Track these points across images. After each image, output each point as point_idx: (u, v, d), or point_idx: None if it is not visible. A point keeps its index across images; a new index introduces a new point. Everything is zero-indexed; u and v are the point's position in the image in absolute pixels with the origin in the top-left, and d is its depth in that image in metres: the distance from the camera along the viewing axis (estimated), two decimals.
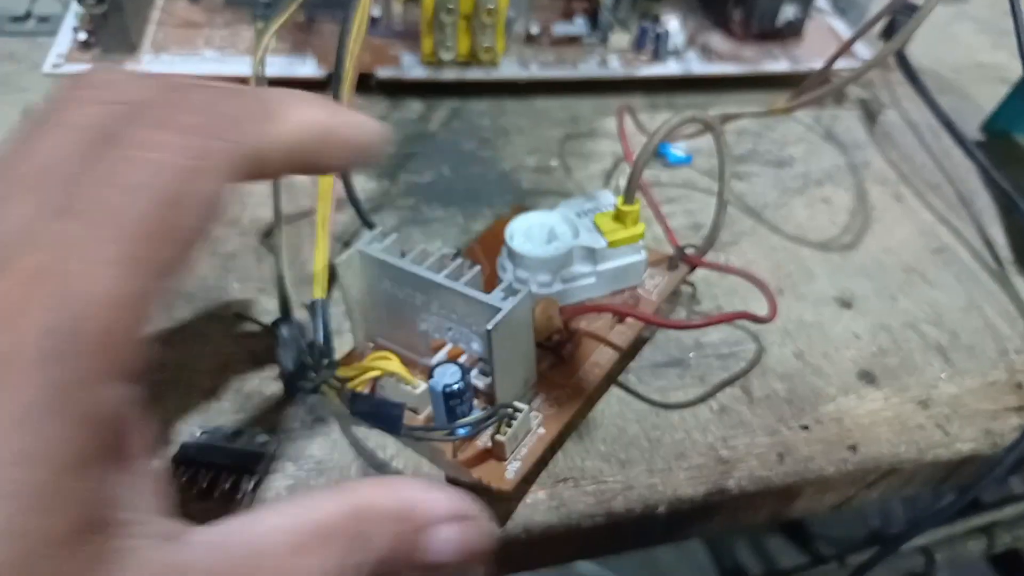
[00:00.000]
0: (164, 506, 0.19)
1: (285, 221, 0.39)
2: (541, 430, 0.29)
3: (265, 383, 0.32)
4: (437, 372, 0.28)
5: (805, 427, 0.32)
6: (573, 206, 0.35)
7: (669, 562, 1.12)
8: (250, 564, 0.18)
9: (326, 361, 0.31)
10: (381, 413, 0.28)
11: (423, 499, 0.22)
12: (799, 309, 0.37)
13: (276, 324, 0.33)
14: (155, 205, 0.18)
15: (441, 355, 0.32)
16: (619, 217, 0.33)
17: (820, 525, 1.14)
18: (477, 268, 0.30)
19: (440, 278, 0.29)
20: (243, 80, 0.31)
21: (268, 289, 0.36)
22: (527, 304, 0.28)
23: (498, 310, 0.27)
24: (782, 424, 0.32)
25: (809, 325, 0.36)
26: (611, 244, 0.33)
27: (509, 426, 0.28)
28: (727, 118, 0.43)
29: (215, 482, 0.28)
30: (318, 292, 0.33)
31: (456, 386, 0.28)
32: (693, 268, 0.36)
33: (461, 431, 0.28)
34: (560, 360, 0.32)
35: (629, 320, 0.33)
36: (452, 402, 0.28)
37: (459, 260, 0.30)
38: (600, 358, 0.32)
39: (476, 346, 0.30)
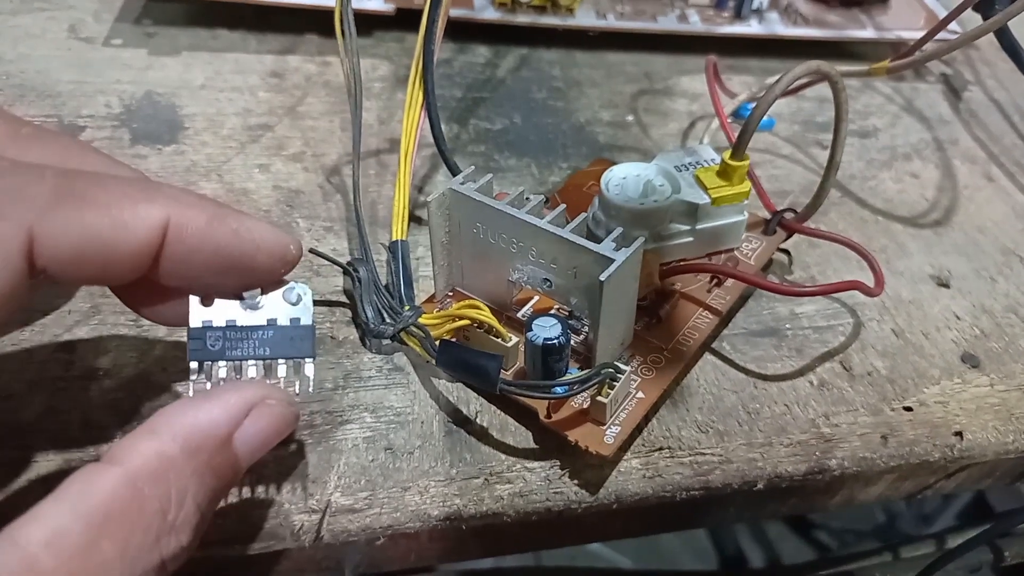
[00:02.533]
0: None
1: (350, 160, 0.36)
2: (640, 394, 0.27)
3: (337, 327, 0.30)
4: (536, 325, 0.26)
5: (908, 408, 0.30)
6: (671, 159, 0.32)
7: (672, 548, 1.11)
8: None
9: (407, 307, 0.29)
10: (474, 364, 0.26)
11: (199, 423, 0.20)
12: (895, 285, 0.35)
13: (352, 264, 0.30)
14: None
15: (526, 309, 0.30)
16: (725, 173, 0.31)
17: (822, 516, 1.13)
18: (583, 216, 0.28)
19: (544, 223, 0.27)
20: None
21: (335, 228, 0.34)
22: (638, 257, 0.26)
23: (611, 261, 0.25)
24: (885, 404, 0.30)
25: (907, 303, 0.34)
26: (715, 202, 0.31)
27: (611, 388, 0.26)
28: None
29: None
30: (398, 232, 0.30)
31: (557, 340, 0.26)
32: (791, 234, 0.34)
33: (559, 390, 0.26)
34: (657, 321, 0.30)
35: (727, 284, 0.31)
36: (551, 358, 0.26)
37: (561, 207, 0.28)
38: (698, 322, 0.30)
39: (575, 300, 0.27)
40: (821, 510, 0.33)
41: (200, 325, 0.22)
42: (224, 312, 0.22)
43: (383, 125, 0.39)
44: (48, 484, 0.23)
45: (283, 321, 0.22)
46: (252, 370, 0.23)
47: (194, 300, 0.22)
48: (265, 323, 0.22)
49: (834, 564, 0.43)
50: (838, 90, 0.30)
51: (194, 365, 0.22)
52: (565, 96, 0.43)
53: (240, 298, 0.22)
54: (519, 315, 0.30)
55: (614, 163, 0.32)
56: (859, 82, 0.48)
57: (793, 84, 0.29)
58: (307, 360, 0.23)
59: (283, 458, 0.26)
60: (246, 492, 0.25)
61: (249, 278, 0.22)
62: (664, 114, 0.43)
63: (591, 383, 0.25)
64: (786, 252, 0.35)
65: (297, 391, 0.23)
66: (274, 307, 0.22)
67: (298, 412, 0.23)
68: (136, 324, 0.29)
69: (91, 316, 0.29)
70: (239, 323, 0.22)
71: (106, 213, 0.19)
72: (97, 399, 0.27)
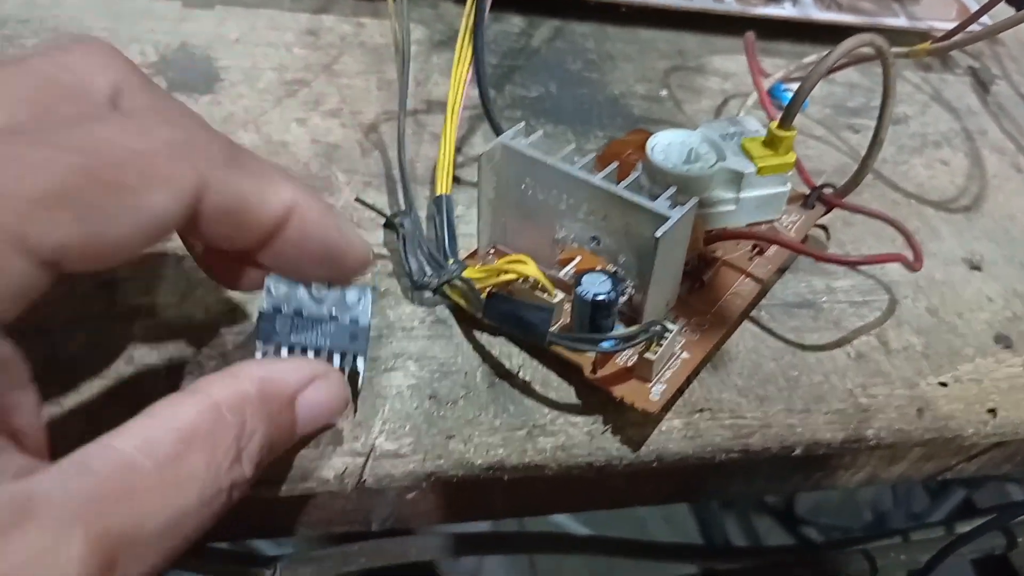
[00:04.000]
0: (26, 444, 0.18)
1: (387, 118, 0.36)
2: (685, 355, 0.27)
3: (380, 278, 0.30)
4: (585, 280, 0.26)
5: (944, 384, 0.30)
6: (716, 128, 0.32)
7: (659, 533, 1.12)
8: (116, 482, 0.17)
9: (451, 261, 0.29)
10: (522, 316, 0.26)
11: (273, 376, 0.21)
12: (929, 266, 0.35)
13: (396, 217, 0.30)
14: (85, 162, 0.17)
15: (568, 269, 0.30)
16: (771, 143, 0.31)
17: (809, 511, 1.14)
18: (635, 174, 0.28)
19: (598, 180, 0.27)
20: None
21: (375, 183, 0.34)
22: (691, 217, 0.26)
23: (666, 218, 0.25)
24: (920, 378, 0.30)
25: (940, 283, 0.34)
26: (760, 171, 0.31)
27: (659, 345, 0.26)
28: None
29: None
30: (442, 187, 0.30)
31: (607, 297, 0.26)
32: (829, 209, 0.34)
33: (606, 344, 0.26)
34: (700, 285, 0.30)
35: (769, 254, 0.31)
36: (599, 314, 0.26)
37: (613, 165, 0.28)
38: (741, 289, 0.30)
39: (623, 258, 0.27)
40: (842, 486, 0.33)
41: (271, 309, 0.23)
42: (292, 300, 0.23)
43: (419, 87, 0.39)
44: (92, 420, 0.24)
45: (343, 318, 0.24)
46: (311, 356, 0.24)
47: (270, 283, 0.23)
48: (328, 316, 0.23)
49: (846, 545, 0.43)
50: (888, 65, 0.31)
51: (260, 343, 0.23)
52: (599, 68, 0.43)
53: (308, 289, 0.23)
54: (561, 275, 0.30)
55: (652, 133, 0.32)
56: None
57: (845, 56, 0.29)
58: (359, 356, 0.24)
59: None
60: None
61: (333, 273, 0.23)
62: (697, 91, 0.43)
63: (639, 339, 0.26)
64: (823, 228, 0.35)
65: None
66: (336, 303, 0.24)
67: (349, 398, 0.24)
68: (178, 266, 0.29)
69: None
70: (305, 313, 0.23)
71: (257, 183, 0.21)
72: (140, 337, 0.26)
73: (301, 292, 0.23)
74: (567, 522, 0.94)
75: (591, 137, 0.38)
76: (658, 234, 0.25)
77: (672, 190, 0.27)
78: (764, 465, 0.29)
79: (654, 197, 0.28)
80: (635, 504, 0.32)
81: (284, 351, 0.23)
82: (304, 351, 0.23)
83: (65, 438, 0.22)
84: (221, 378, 0.20)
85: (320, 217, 0.22)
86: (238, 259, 0.24)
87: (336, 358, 0.24)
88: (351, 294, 0.24)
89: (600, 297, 0.26)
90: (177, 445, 0.18)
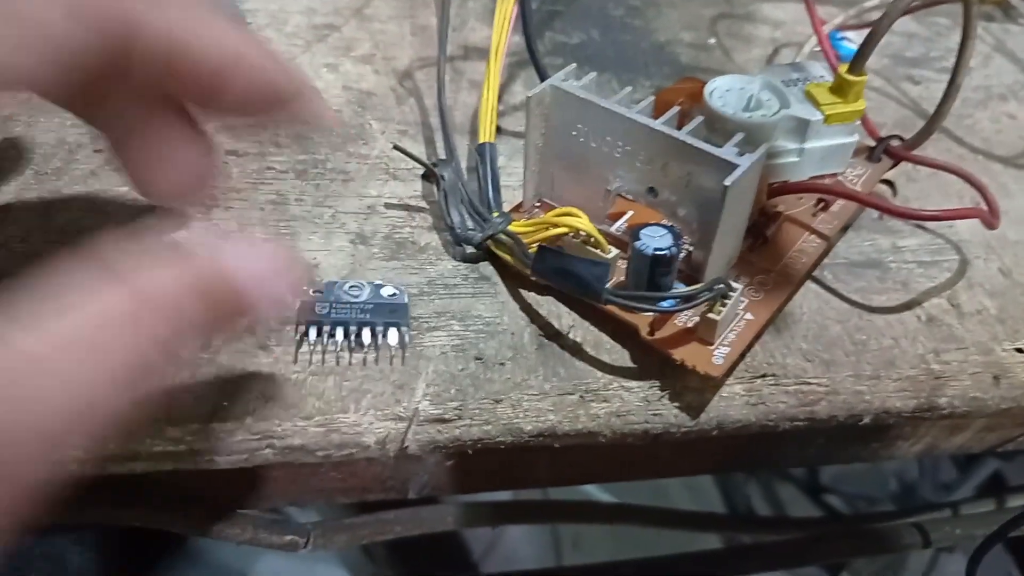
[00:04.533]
0: None
1: (422, 64, 0.34)
2: (748, 316, 0.25)
3: (418, 232, 0.28)
4: (644, 234, 0.24)
5: (1020, 351, 0.28)
6: (777, 73, 0.30)
7: (681, 501, 1.11)
8: (21, 373, 0.14)
9: (495, 213, 0.27)
10: (576, 272, 0.24)
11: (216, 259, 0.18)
12: (1000, 225, 0.33)
13: (437, 166, 0.28)
14: None
15: (620, 223, 0.28)
16: (839, 89, 0.29)
17: (833, 479, 1.12)
18: (698, 119, 0.25)
19: (660, 125, 0.24)
20: None
21: (411, 132, 0.32)
22: (759, 166, 0.24)
23: (735, 166, 0.23)
24: (995, 344, 0.28)
25: (1013, 243, 0.32)
26: (827, 119, 0.28)
27: (723, 305, 0.24)
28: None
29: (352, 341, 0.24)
30: (486, 134, 0.28)
31: (668, 251, 0.24)
32: (896, 162, 0.31)
33: (667, 303, 0.24)
34: (763, 242, 0.28)
35: (834, 209, 0.29)
36: (659, 270, 0.24)
37: (674, 109, 0.26)
38: (805, 246, 0.28)
39: (683, 211, 0.25)
40: (899, 457, 0.31)
41: (311, 300, 0.24)
42: (330, 292, 0.25)
43: (455, 32, 0.37)
44: None
45: (381, 300, 0.25)
46: (366, 332, 0.24)
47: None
48: (365, 300, 0.25)
49: (895, 517, 0.41)
50: (969, 4, 0.28)
51: (300, 326, 0.24)
52: (643, 15, 0.41)
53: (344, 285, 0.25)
54: (613, 230, 0.28)
55: (703, 82, 0.29)
56: (948, 20, 0.45)
57: None
58: (403, 327, 0.24)
59: (366, 361, 0.24)
60: (329, 394, 0.23)
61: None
62: (747, 39, 0.41)
63: (702, 299, 0.24)
64: (889, 184, 0.33)
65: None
66: (372, 294, 0.25)
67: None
68: (206, 217, 0.27)
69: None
70: (344, 300, 0.25)
71: (198, 23, 0.19)
72: None
73: (339, 286, 0.25)
74: (591, 490, 0.93)
75: (637, 86, 0.36)
76: (727, 183, 0.23)
77: (739, 137, 0.24)
78: (824, 435, 0.27)
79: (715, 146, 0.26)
80: (686, 474, 0.31)
81: (339, 330, 0.24)
82: (346, 328, 0.24)
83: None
84: (152, 264, 0.17)
85: (263, 59, 0.20)
86: (166, 134, 0.21)
87: (379, 329, 0.24)
88: (386, 290, 0.25)
89: (661, 252, 0.24)
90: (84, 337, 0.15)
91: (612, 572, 0.36)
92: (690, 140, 0.24)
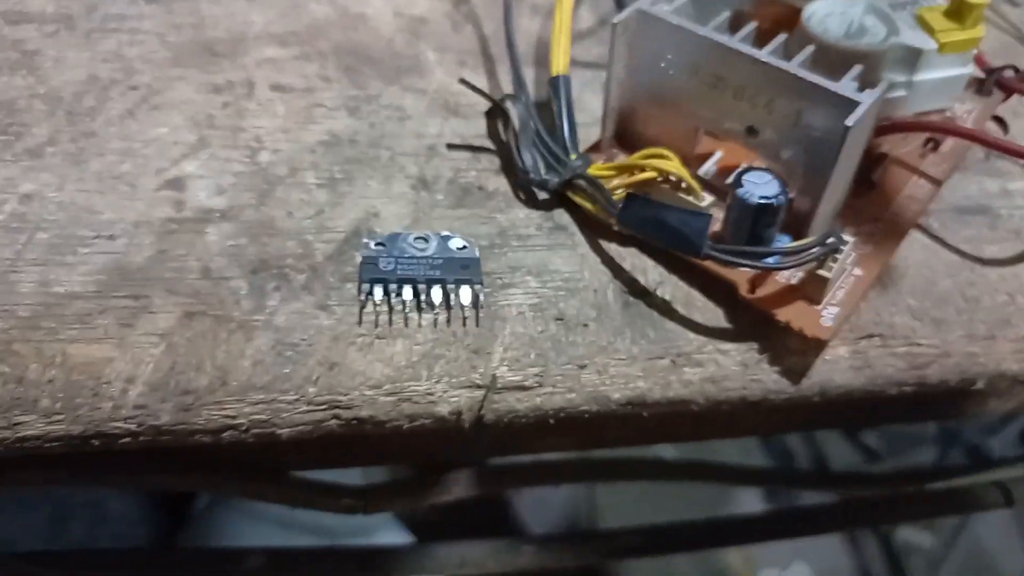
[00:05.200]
0: None
1: None
2: (857, 271, 0.23)
3: (485, 176, 0.25)
4: (747, 180, 0.22)
5: None
6: None
7: (724, 453, 1.09)
8: None
9: (573, 155, 0.24)
10: (671, 224, 0.21)
11: None
12: None
13: (505, 101, 0.25)
14: None
15: (709, 165, 0.25)
16: (957, 13, 0.25)
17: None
18: (810, 48, 0.22)
19: (766, 55, 0.21)
20: None
21: (470, 63, 0.29)
22: (879, 103, 0.21)
23: (855, 104, 0.20)
24: None
25: None
26: (942, 48, 0.25)
27: (834, 261, 0.21)
28: None
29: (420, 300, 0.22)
30: (559, 66, 0.25)
31: (775, 200, 0.21)
32: (1009, 95, 0.28)
33: (772, 260, 0.21)
34: (869, 187, 0.25)
35: (944, 149, 0.26)
36: (762, 222, 0.22)
37: (782, 36, 0.23)
38: (915, 191, 0.25)
39: (787, 153, 0.22)
40: (987, 415, 0.29)
41: (374, 254, 0.22)
42: (394, 245, 0.22)
43: None
44: (170, 340, 0.20)
45: (451, 255, 0.23)
46: (437, 289, 0.22)
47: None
48: (433, 255, 0.22)
49: (965, 473, 0.39)
50: None
51: (365, 285, 0.21)
52: None
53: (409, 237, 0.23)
54: (701, 172, 0.25)
55: (789, 4, 0.26)
56: None
57: None
58: (476, 284, 0.22)
59: (437, 322, 0.22)
60: (399, 359, 0.21)
61: None
62: None
63: (813, 254, 0.21)
64: (999, 120, 0.29)
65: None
66: (440, 248, 0.23)
67: None
68: (253, 161, 0.25)
69: (199, 149, 0.25)
70: (408, 254, 0.22)
71: None
72: (215, 245, 0.22)
73: (403, 238, 0.23)
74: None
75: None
76: (849, 122, 0.20)
77: (857, 69, 0.21)
78: (932, 398, 0.25)
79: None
80: (764, 435, 0.28)
81: (407, 289, 0.22)
82: (414, 285, 0.22)
83: (142, 364, 0.19)
84: None
85: None
86: None
87: (450, 287, 0.22)
88: (455, 242, 0.23)
89: (767, 201, 0.21)
90: None
91: (686, 532, 0.34)
92: (804, 73, 0.21)
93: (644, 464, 0.32)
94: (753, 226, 0.22)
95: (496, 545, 0.31)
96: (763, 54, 0.21)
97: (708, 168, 0.25)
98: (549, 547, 0.32)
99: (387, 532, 0.53)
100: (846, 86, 0.21)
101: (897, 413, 0.27)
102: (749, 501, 0.78)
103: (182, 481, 0.24)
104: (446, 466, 0.30)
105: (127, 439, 0.19)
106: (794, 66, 0.21)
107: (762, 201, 0.21)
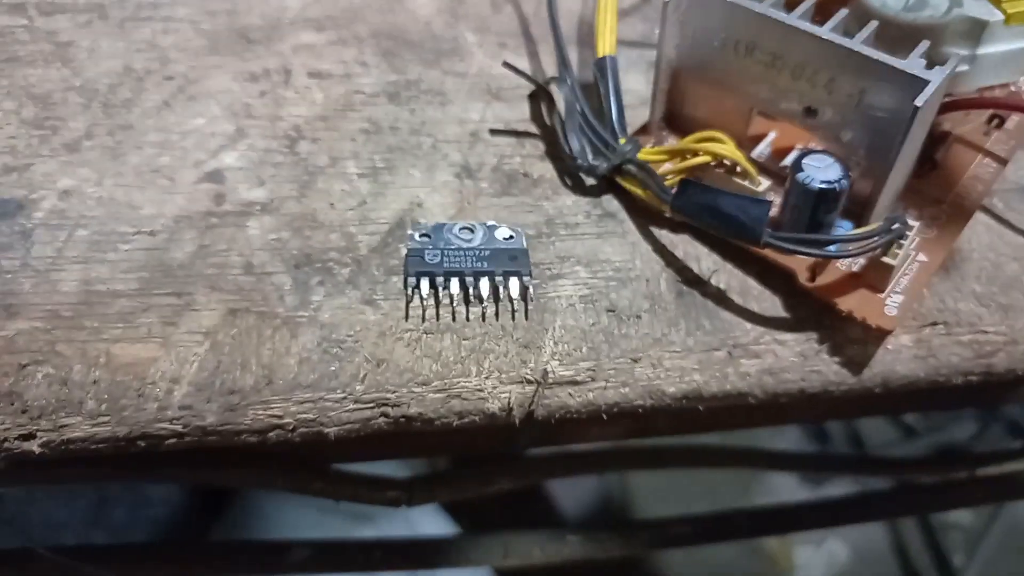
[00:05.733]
0: None
1: None
2: (922, 256, 0.22)
3: (531, 162, 0.25)
4: (808, 164, 0.20)
5: None
6: None
7: (758, 437, 1.07)
8: None
9: (622, 139, 0.23)
10: (730, 210, 0.20)
11: None
12: None
13: (550, 84, 0.24)
14: None
15: (762, 147, 0.24)
16: None
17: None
18: (873, 24, 0.21)
19: (829, 33, 0.20)
20: None
21: (511, 44, 0.28)
22: (947, 80, 0.20)
23: (924, 83, 0.19)
24: None
25: None
26: (1009, 19, 0.24)
27: (899, 248, 0.20)
28: None
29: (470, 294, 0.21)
30: (605, 46, 0.24)
31: (837, 184, 0.20)
32: None
33: (835, 248, 0.20)
34: (932, 167, 0.24)
35: (1009, 126, 0.25)
36: (823, 207, 0.21)
37: (843, 12, 0.21)
38: (980, 171, 0.24)
39: (849, 135, 0.21)
40: None
41: (419, 246, 0.21)
42: (440, 236, 0.22)
43: None
44: (214, 339, 0.19)
45: (498, 246, 0.22)
46: (485, 282, 0.21)
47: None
48: (479, 247, 0.21)
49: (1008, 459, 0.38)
50: None
51: (411, 279, 0.21)
52: None
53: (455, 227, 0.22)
54: (754, 154, 0.24)
55: None
56: None
57: None
58: (525, 276, 0.21)
59: (486, 316, 0.21)
60: (447, 355, 0.20)
61: None
62: None
63: (878, 240, 0.20)
64: None
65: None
66: (487, 238, 0.22)
67: None
68: (292, 151, 0.24)
69: (237, 140, 0.24)
70: (455, 245, 0.21)
71: None
72: (257, 239, 0.22)
73: (448, 229, 0.22)
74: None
75: None
76: (918, 102, 0.19)
77: (924, 45, 0.20)
78: (998, 387, 0.24)
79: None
80: (817, 423, 0.27)
81: (454, 282, 0.21)
82: (461, 278, 0.21)
83: (187, 364, 0.19)
84: None
85: None
86: None
87: (498, 279, 0.21)
88: (501, 232, 0.22)
89: (829, 185, 0.20)
90: None
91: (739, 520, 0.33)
92: (869, 51, 0.20)
93: (686, 451, 0.31)
94: (814, 212, 0.21)
95: (541, 535, 0.31)
96: (824, 31, 0.20)
97: (762, 150, 0.24)
98: (595, 537, 0.31)
99: (424, 515, 0.53)
100: (914, 63, 0.19)
101: (958, 401, 0.26)
102: (782, 481, 0.77)
103: (225, 477, 0.24)
104: (488, 456, 0.29)
105: (173, 440, 0.19)
106: (857, 43, 0.20)
107: (824, 186, 0.20)
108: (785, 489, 0.73)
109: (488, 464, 0.28)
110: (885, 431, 0.91)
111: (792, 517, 0.35)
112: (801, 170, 0.20)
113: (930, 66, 0.19)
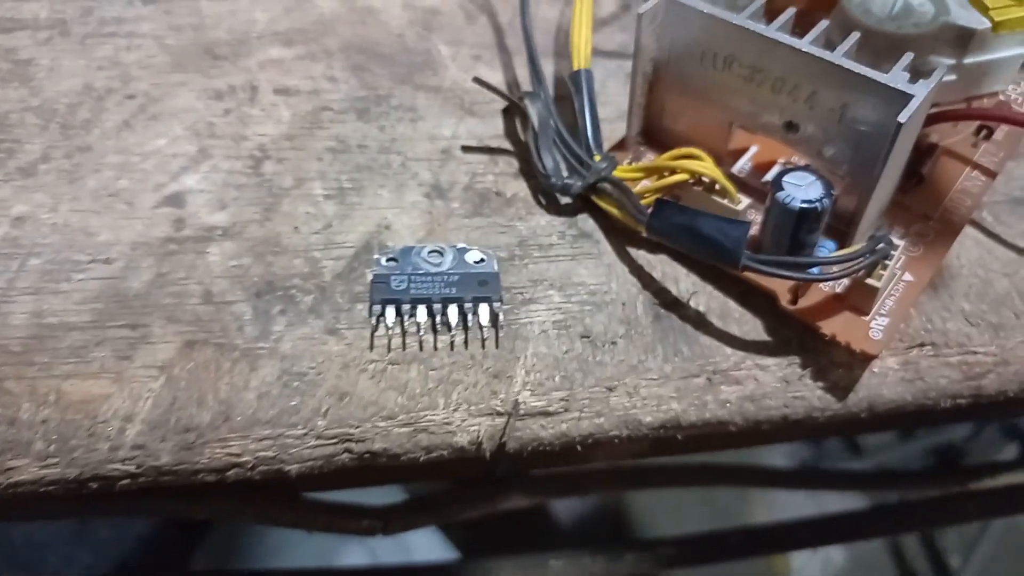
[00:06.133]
0: None
1: None
2: (908, 276, 0.21)
3: (504, 181, 0.24)
4: (787, 182, 0.19)
5: None
6: None
7: (763, 454, 1.06)
8: None
9: (597, 156, 0.22)
10: (706, 233, 0.19)
11: None
12: None
13: (523, 99, 0.23)
14: None
15: (743, 162, 0.23)
16: None
17: None
18: (855, 35, 0.20)
19: (808, 46, 0.19)
20: None
21: (485, 57, 0.27)
22: (933, 93, 0.19)
23: (908, 97, 0.18)
24: None
25: None
26: (996, 27, 0.23)
27: (884, 268, 0.19)
28: None
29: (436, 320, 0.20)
30: (580, 59, 0.23)
31: (819, 204, 0.19)
32: None
33: (817, 271, 0.19)
34: (918, 181, 0.23)
35: (997, 137, 0.24)
36: (805, 227, 0.20)
37: (824, 23, 0.21)
38: (968, 184, 0.23)
39: (831, 150, 0.20)
40: None
41: (385, 271, 0.20)
42: (407, 261, 0.21)
43: None
44: (170, 373, 0.18)
45: (468, 270, 0.21)
46: (453, 309, 0.20)
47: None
48: (448, 271, 0.21)
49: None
50: None
51: (376, 307, 0.20)
52: None
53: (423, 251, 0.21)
54: (735, 170, 0.23)
55: None
56: None
57: None
58: (495, 302, 0.20)
59: (454, 344, 0.20)
60: (414, 387, 0.19)
61: None
62: None
63: (862, 261, 0.19)
64: None
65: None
66: (456, 262, 0.21)
67: None
68: (256, 172, 0.23)
69: (200, 161, 0.23)
70: (423, 270, 0.21)
71: None
72: (217, 266, 0.21)
73: (416, 252, 0.21)
74: None
75: None
76: (902, 118, 0.18)
77: (908, 58, 0.19)
78: (989, 408, 0.23)
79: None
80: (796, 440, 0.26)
81: (406, 307, 0.20)
82: (429, 305, 0.20)
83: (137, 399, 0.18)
84: None
85: None
86: None
87: (467, 305, 0.20)
88: (472, 255, 0.21)
89: (810, 205, 0.19)
90: None
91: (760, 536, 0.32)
92: (851, 64, 0.19)
93: (680, 470, 0.30)
94: (795, 232, 0.20)
95: (523, 561, 0.30)
96: (804, 44, 0.19)
97: (743, 165, 0.23)
98: (578, 562, 0.30)
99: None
100: (897, 77, 0.18)
101: (947, 420, 0.25)
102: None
103: (191, 510, 0.23)
104: (469, 480, 0.28)
105: (126, 481, 0.18)
106: (839, 56, 0.19)
107: (805, 206, 0.19)
108: (784, 496, 0.71)
109: (469, 489, 0.28)
110: (881, 435, 0.90)
111: (790, 535, 0.34)
112: (781, 189, 0.19)
113: (915, 79, 0.19)
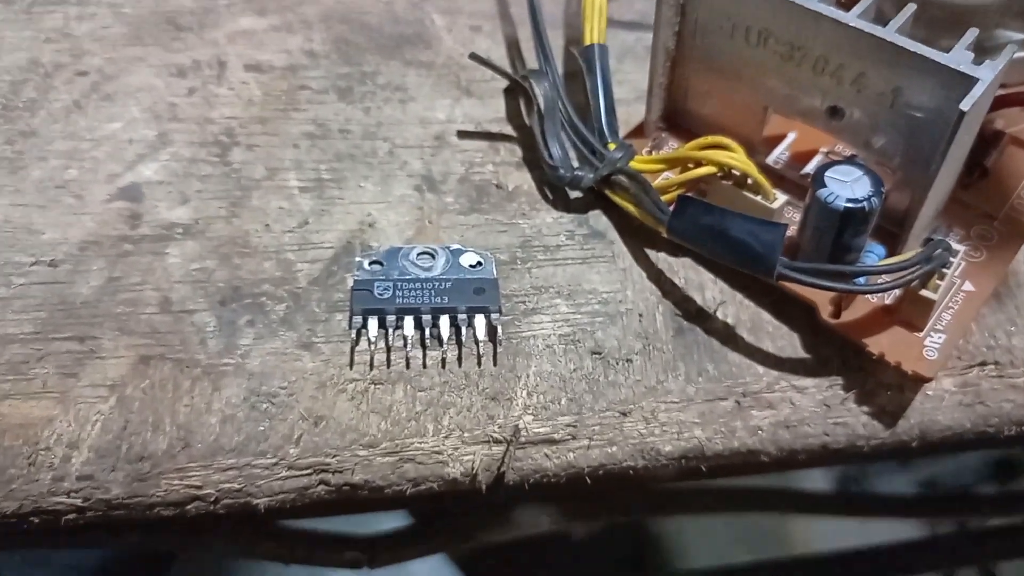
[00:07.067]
0: None
1: None
2: (968, 285, 0.20)
3: (505, 171, 0.23)
4: (830, 178, 0.19)
5: None
6: None
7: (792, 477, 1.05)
8: None
9: (611, 144, 0.22)
10: (737, 235, 0.19)
11: None
12: None
13: (528, 78, 0.23)
14: None
15: (779, 151, 0.22)
16: None
17: None
18: (911, 7, 0.19)
19: (856, 20, 0.18)
20: None
21: (486, 28, 0.26)
22: (1000, 76, 0.18)
23: (972, 81, 0.17)
24: None
25: None
26: None
27: (941, 278, 0.18)
28: None
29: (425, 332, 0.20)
30: (592, 33, 0.23)
31: (866, 203, 0.18)
32: None
33: (864, 281, 0.18)
34: (981, 174, 0.22)
35: None
36: (850, 229, 0.19)
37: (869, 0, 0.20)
38: None
39: (880, 140, 0.20)
40: None
41: (368, 276, 0.20)
42: (393, 265, 0.20)
43: None
44: (121, 393, 0.18)
45: (461, 276, 0.20)
46: (445, 320, 0.19)
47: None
48: (440, 276, 0.20)
49: None
50: None
51: (356, 318, 0.19)
52: None
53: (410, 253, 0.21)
54: (770, 160, 0.22)
55: None
56: None
57: None
58: (493, 313, 0.20)
59: (446, 361, 0.19)
60: (399, 410, 0.18)
61: None
62: None
63: (914, 272, 0.18)
64: None
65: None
66: (449, 266, 0.20)
67: None
68: (223, 161, 0.22)
69: (159, 148, 0.22)
70: (410, 276, 0.20)
71: None
72: (177, 269, 0.20)
73: (403, 255, 0.20)
74: None
75: None
76: (965, 106, 0.17)
77: (972, 34, 0.18)
78: None
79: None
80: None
81: (391, 319, 0.19)
82: (417, 317, 0.19)
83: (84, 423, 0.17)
84: None
85: None
86: None
87: (461, 317, 0.19)
88: (467, 257, 0.21)
89: (856, 204, 0.18)
90: None
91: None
92: (904, 42, 0.18)
93: (709, 494, 0.30)
94: (838, 235, 0.19)
95: None
96: (851, 17, 0.19)
97: (778, 155, 0.22)
98: None
99: None
100: (959, 57, 0.18)
101: (1011, 446, 0.24)
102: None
103: (155, 542, 0.23)
104: (464, 508, 0.28)
105: (72, 515, 0.17)
106: (891, 32, 0.18)
107: (850, 205, 0.18)
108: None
109: (465, 517, 0.27)
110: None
111: (829, 570, 0.33)
112: (823, 185, 0.19)
113: (979, 58, 0.18)
